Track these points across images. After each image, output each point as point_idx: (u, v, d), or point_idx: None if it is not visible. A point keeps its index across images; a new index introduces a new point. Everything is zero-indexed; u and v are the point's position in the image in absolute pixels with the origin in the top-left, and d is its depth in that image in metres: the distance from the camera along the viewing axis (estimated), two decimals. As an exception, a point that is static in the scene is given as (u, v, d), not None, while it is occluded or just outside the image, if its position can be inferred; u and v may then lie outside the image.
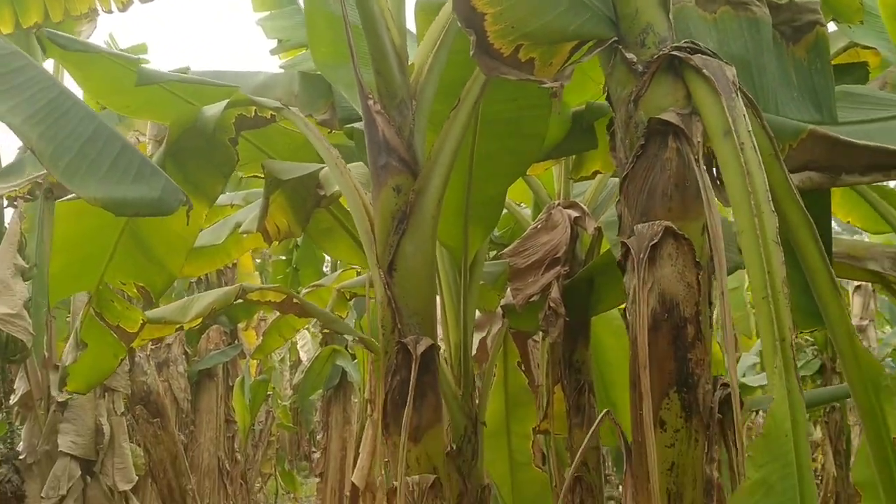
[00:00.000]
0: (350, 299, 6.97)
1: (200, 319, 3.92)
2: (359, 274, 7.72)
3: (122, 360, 3.56)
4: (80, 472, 5.46)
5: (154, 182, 2.07)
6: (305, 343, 13.01)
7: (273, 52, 5.41)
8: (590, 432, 2.77)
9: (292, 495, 14.00)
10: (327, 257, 10.40)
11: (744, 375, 9.42)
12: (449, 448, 3.76)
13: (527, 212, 5.35)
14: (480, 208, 3.44)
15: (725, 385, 1.78)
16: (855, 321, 9.27)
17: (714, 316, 2.11)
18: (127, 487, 5.80)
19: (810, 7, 2.25)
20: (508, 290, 4.16)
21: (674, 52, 1.78)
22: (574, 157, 4.13)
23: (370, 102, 2.31)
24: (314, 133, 2.56)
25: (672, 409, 1.72)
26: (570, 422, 4.62)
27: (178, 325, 3.87)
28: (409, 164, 2.31)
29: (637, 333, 1.75)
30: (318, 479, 16.55)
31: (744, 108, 1.71)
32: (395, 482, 2.22)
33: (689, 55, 1.77)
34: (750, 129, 1.69)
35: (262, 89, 3.51)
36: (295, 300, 3.90)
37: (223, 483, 9.71)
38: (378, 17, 2.29)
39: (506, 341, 4.21)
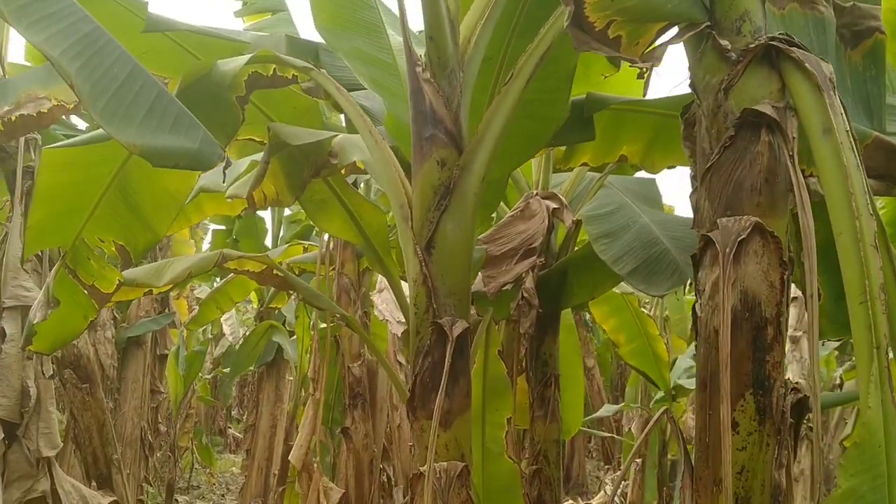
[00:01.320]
0: (298, 275, 6.80)
1: (173, 284, 3.72)
2: (306, 250, 7.54)
3: (91, 321, 3.34)
4: (2, 436, 5.18)
5: (192, 133, 1.90)
6: (230, 317, 12.71)
7: (238, 13, 5.20)
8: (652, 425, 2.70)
9: (208, 470, 13.69)
10: (269, 229, 10.16)
11: (679, 378, 9.61)
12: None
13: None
14: (484, 191, 3.35)
15: (796, 390, 1.74)
16: (790, 332, 9.54)
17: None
18: (51, 454, 5.53)
19: (873, 13, 2.22)
20: (480, 276, 4.09)
21: (772, 43, 1.71)
22: (562, 147, 4.07)
23: (418, 70, 2.19)
24: (347, 98, 2.42)
25: (747, 411, 1.67)
26: (533, 414, 4.59)
27: (148, 289, 3.67)
28: (456, 138, 2.20)
29: (716, 332, 1.69)
30: (233, 456, 16.24)
31: (841, 107, 1.67)
32: (421, 468, 2.11)
33: (788, 47, 1.71)
34: (849, 128, 1.64)
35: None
36: (276, 271, 3.74)
37: (145, 454, 9.42)
38: (436, -20, 2.16)
39: (488, 329, 4.14)
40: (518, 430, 4.74)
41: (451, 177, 2.18)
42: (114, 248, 3.14)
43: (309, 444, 6.18)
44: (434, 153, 2.18)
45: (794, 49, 1.71)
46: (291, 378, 9.98)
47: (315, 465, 5.91)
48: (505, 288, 3.91)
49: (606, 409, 9.67)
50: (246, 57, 2.50)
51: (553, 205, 4.06)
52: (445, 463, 2.10)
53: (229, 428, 19.24)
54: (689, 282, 4.85)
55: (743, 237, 1.67)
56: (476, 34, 2.32)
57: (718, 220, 1.72)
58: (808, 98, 1.66)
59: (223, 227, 10.28)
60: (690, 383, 8.78)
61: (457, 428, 2.14)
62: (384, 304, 7.03)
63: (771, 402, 1.67)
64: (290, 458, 6.27)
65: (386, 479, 6.70)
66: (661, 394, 7.79)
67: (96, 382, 7.65)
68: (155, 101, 1.89)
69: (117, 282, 3.20)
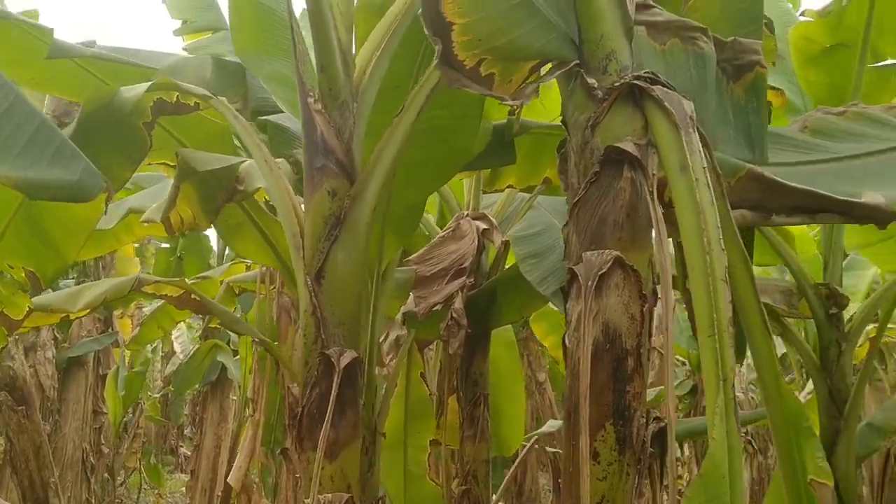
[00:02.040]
0: (238, 294, 6.76)
1: (89, 310, 3.69)
2: (248, 269, 7.50)
3: (3, 348, 3.29)
4: (-65, 459, 5.09)
5: (73, 165, 1.90)
6: (181, 335, 12.57)
7: (177, 32, 5.19)
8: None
9: (157, 490, 13.48)
10: (214, 247, 10.08)
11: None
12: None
13: (431, 218, 5.34)
14: (399, 216, 3.38)
15: (658, 419, 1.78)
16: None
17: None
18: (-15, 477, 5.45)
19: (753, 47, 2.29)
20: (411, 296, 4.11)
21: (635, 82, 1.77)
22: (489, 169, 4.14)
23: (310, 100, 2.21)
24: (243, 126, 2.43)
25: (607, 441, 1.71)
26: (463, 433, 4.62)
27: (64, 314, 3.64)
28: (347, 168, 2.23)
29: (579, 363, 1.72)
30: (185, 476, 16.03)
31: (700, 144, 1.72)
32: (306, 500, 2.12)
33: (650, 86, 1.76)
34: (705, 165, 1.70)
35: (171, 72, 3.34)
36: (194, 296, 3.72)
37: (86, 476, 9.27)
38: (326, 12, 2.19)
39: (410, 351, 4.16)
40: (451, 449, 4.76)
41: (343, 207, 2.20)
42: (23, 275, 3.11)
43: (248, 465, 6.14)
44: (325, 183, 2.20)
45: (656, 87, 1.76)
46: (236, 398, 9.89)
47: (255, 486, 5.86)
48: (435, 308, 3.93)
49: (550, 425, 9.70)
50: (146, 84, 2.51)
51: (483, 225, 4.10)
52: (330, 495, 2.11)
53: (181, 447, 18.98)
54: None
55: (604, 271, 1.72)
56: (372, 65, 2.35)
57: (583, 254, 1.76)
58: (667, 136, 1.71)
59: (168, 245, 10.19)
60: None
61: (343, 459, 2.16)
62: (321, 324, 6.98)
63: (631, 432, 1.71)
64: (228, 479, 6.21)
65: (326, 501, 6.65)
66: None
67: (33, 405, 7.52)
68: (35, 133, 1.89)
69: (27, 308, 3.16)
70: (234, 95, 4.06)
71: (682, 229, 1.66)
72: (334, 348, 2.16)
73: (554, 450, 11.27)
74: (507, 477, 6.42)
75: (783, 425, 1.90)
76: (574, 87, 1.85)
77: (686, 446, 11.48)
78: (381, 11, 2.58)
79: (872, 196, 2.31)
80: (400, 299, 4.99)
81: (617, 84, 1.78)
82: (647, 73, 1.80)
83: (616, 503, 1.70)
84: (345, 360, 2.13)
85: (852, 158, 2.53)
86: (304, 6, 2.50)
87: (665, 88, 1.78)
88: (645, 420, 1.74)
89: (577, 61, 1.84)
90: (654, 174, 1.74)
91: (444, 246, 4.14)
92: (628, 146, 1.74)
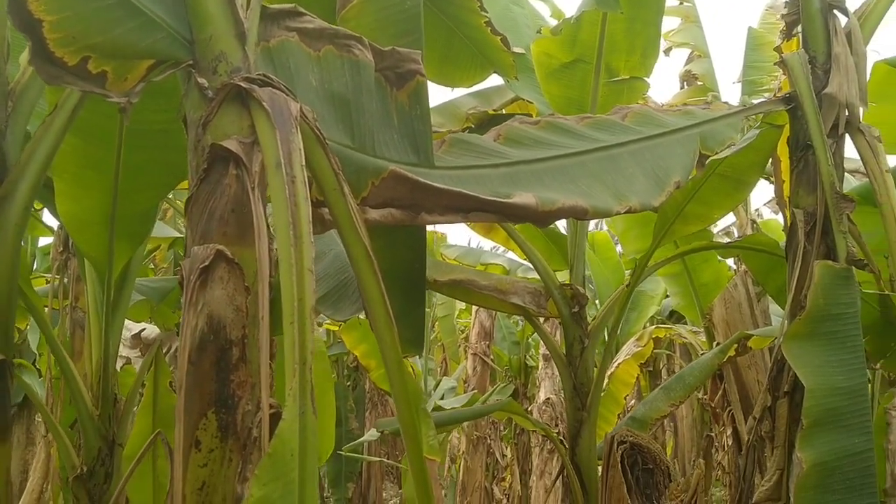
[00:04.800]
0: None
1: None
2: (48, 282, 7.20)
3: None
4: None
5: None
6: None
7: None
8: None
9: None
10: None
11: (442, 397, 9.93)
12: (80, 470, 3.60)
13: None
14: (128, 221, 3.34)
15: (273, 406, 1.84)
16: (543, 350, 10.16)
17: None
18: None
19: (412, 56, 2.42)
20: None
21: (240, 83, 1.83)
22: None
23: (-45, 99, 2.18)
24: None
25: (209, 429, 1.75)
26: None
27: None
28: (-6, 168, 2.20)
29: (184, 353, 1.77)
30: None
31: (300, 144, 1.80)
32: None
33: (257, 87, 1.83)
34: (303, 163, 1.78)
35: None
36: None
37: None
38: (-32, 11, 2.17)
39: (156, 361, 4.11)
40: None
41: (-11, 207, 2.18)
42: None
43: (41, 490, 5.90)
44: (-31, 183, 2.17)
45: (264, 89, 1.83)
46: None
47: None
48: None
49: (371, 434, 9.76)
50: None
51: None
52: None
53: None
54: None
55: (206, 264, 1.77)
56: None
57: (191, 249, 1.81)
58: (267, 135, 1.79)
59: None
60: (450, 403, 9.06)
61: (-12, 461, 2.12)
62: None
63: (235, 419, 1.77)
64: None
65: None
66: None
67: None
68: None
69: None
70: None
71: (275, 222, 1.74)
72: (-24, 351, 2.12)
73: (376, 459, 11.37)
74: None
75: (406, 406, 2.01)
76: (189, 87, 1.90)
77: (508, 448, 11.89)
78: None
79: (523, 196, 2.48)
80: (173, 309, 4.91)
81: (224, 85, 1.84)
82: (260, 75, 1.87)
83: (216, 488, 1.74)
84: (-13, 362, 2.10)
85: (525, 164, 2.70)
86: None
87: (274, 90, 1.85)
88: (253, 408, 1.80)
89: (191, 62, 1.89)
90: (256, 171, 1.80)
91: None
92: (232, 144, 1.80)
